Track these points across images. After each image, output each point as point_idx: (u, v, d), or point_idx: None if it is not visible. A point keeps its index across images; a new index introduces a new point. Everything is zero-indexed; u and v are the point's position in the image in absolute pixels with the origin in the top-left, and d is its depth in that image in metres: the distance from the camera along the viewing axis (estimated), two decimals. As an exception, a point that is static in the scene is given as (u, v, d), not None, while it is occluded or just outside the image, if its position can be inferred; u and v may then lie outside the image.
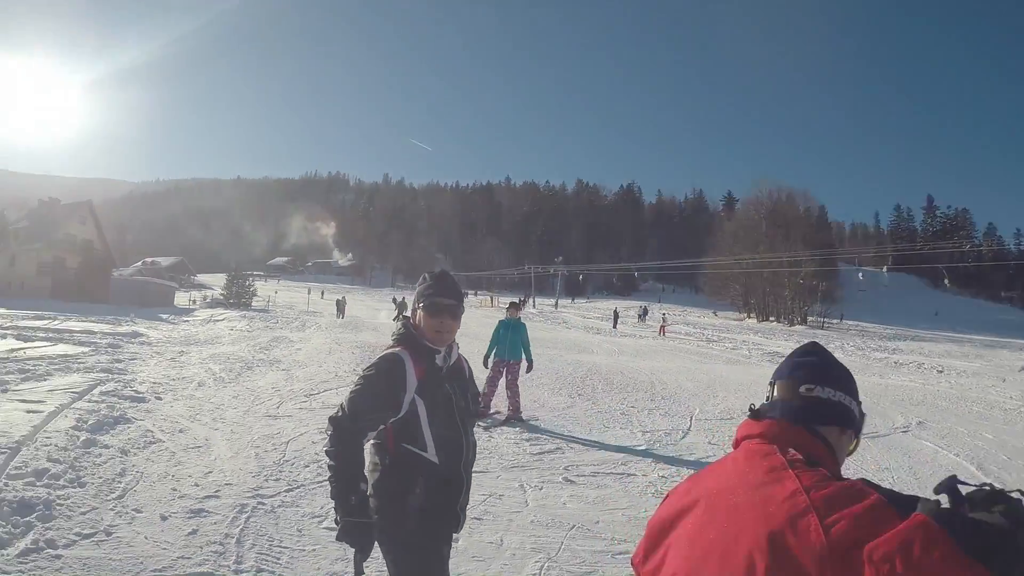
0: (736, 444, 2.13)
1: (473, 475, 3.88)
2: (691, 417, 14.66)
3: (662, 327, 56.82)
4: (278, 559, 6.13)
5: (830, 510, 1.59)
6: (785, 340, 51.62)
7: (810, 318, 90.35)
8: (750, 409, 2.13)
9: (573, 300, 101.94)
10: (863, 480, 1.70)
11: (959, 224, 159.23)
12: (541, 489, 8.75)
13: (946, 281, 68.64)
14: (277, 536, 6.61)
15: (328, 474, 3.54)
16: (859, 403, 2.14)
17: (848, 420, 2.08)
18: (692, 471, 9.47)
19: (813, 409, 2.04)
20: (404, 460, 3.65)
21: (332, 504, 3.34)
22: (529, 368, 14.32)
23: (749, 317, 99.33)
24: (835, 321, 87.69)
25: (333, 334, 33.38)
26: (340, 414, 3.56)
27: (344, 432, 3.50)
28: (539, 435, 12.16)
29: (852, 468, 10.69)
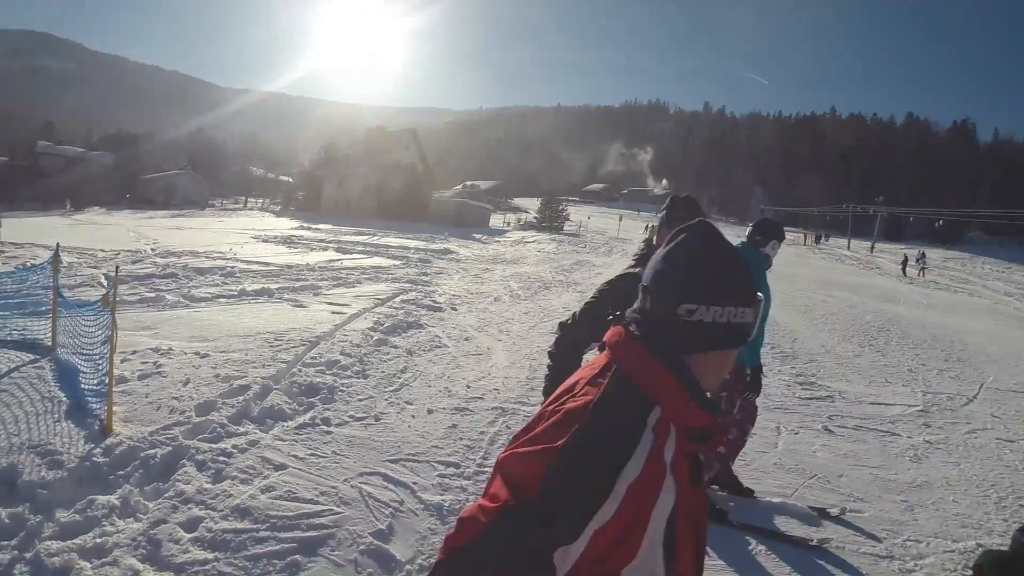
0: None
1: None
2: (982, 384, 13.89)
3: (922, 270, 59.25)
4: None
5: (536, 437, 1.68)
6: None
7: None
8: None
9: (872, 248, 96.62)
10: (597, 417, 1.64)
11: None
12: (796, 434, 8.89)
13: None
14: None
15: (546, 372, 3.95)
16: (755, 304, 1.81)
17: (736, 339, 1.79)
18: (962, 441, 9.32)
19: (690, 338, 1.76)
20: None
21: None
22: (754, 389, 6.83)
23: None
24: None
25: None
26: (570, 321, 4.01)
27: (568, 339, 3.93)
28: (816, 380, 12.15)
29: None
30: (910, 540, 6.27)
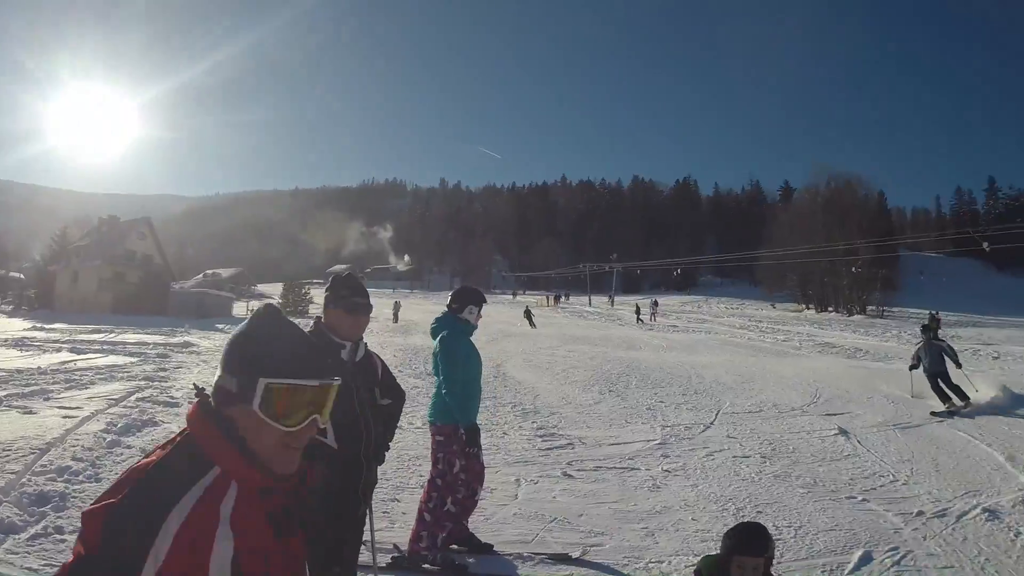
0: None
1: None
2: (718, 411, 14.59)
3: (653, 315, 63.55)
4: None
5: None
6: (840, 331, 50.74)
7: (869, 307, 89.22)
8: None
9: (610, 299, 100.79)
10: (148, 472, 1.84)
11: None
12: (536, 483, 8.88)
13: (985, 246, 68.16)
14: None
15: None
16: (248, 375, 1.96)
17: (229, 399, 1.97)
18: (700, 464, 9.49)
19: (227, 402, 1.98)
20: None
21: None
22: (471, 445, 6.59)
23: (808, 308, 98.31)
24: (894, 310, 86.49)
25: (383, 338, 33.64)
26: None
27: None
28: (557, 431, 12.28)
29: (871, 460, 10.56)
30: (652, 562, 6.35)
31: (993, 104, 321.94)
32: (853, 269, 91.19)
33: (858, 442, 11.81)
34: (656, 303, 70.13)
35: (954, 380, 15.77)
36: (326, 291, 4.63)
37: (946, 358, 16.29)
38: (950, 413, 14.66)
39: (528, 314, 52.13)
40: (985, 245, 70.34)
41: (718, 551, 3.95)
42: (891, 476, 9.60)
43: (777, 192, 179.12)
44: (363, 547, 5.00)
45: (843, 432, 12.50)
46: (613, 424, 13.06)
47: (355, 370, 4.34)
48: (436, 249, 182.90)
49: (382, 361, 4.85)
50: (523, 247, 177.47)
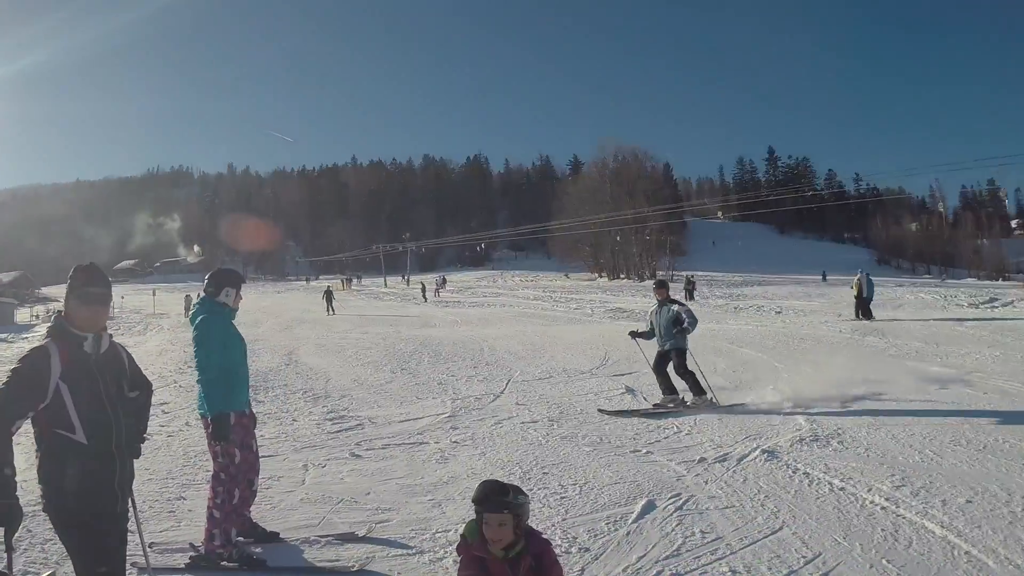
0: None
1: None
2: (508, 381, 14.84)
3: (437, 291, 66.17)
4: None
5: None
6: (632, 296, 52.50)
7: (659, 272, 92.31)
8: None
9: (405, 279, 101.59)
10: None
11: (800, 172, 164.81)
12: (324, 467, 8.73)
13: (720, 214, 73.58)
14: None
15: None
16: None
17: None
18: (488, 433, 9.56)
19: None
20: (56, 444, 3.96)
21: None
22: (216, 431, 6.02)
23: (600, 276, 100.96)
24: (683, 273, 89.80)
25: (172, 335, 32.56)
26: None
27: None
28: (347, 413, 12.15)
29: (655, 415, 10.90)
30: (439, 532, 6.36)
31: (774, 77, 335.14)
32: (646, 236, 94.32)
33: (644, 399, 12.19)
34: (444, 279, 71.07)
35: (690, 365, 11.54)
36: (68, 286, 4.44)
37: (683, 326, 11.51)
38: (652, 412, 11.11)
39: (328, 296, 50.95)
40: (720, 214, 74.84)
41: None
42: (675, 428, 9.93)
43: (567, 166, 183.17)
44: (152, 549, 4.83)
45: (630, 391, 12.95)
46: (404, 401, 13.06)
47: (100, 362, 4.21)
48: (227, 238, 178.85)
49: (127, 353, 4.66)
50: (316, 231, 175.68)
